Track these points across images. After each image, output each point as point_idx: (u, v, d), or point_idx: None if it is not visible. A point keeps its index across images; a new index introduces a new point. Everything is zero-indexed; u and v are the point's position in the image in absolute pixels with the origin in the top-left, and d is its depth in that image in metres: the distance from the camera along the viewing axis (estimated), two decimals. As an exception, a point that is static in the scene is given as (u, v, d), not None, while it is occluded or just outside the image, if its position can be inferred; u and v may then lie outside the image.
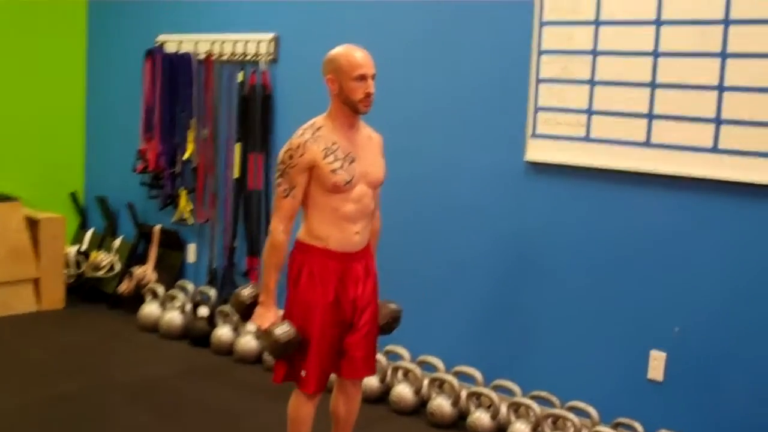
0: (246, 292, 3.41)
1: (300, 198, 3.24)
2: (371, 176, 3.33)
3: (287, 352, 3.24)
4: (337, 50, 3.26)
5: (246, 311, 3.39)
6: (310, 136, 3.21)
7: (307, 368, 3.29)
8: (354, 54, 3.22)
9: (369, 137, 3.40)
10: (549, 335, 4.29)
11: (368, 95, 3.21)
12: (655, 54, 3.83)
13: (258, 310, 3.34)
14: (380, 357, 4.60)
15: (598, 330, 4.11)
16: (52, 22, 6.68)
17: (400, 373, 4.60)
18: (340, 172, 3.20)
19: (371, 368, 3.52)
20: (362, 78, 3.19)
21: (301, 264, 3.31)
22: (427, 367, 4.58)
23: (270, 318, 3.30)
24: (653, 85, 3.85)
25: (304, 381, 3.30)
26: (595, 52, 4.02)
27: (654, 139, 3.85)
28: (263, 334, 3.30)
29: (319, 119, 3.29)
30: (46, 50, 6.66)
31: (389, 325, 3.56)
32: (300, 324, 3.26)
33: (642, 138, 3.88)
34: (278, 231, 3.25)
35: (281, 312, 3.35)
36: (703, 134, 3.71)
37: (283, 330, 3.21)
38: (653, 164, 3.86)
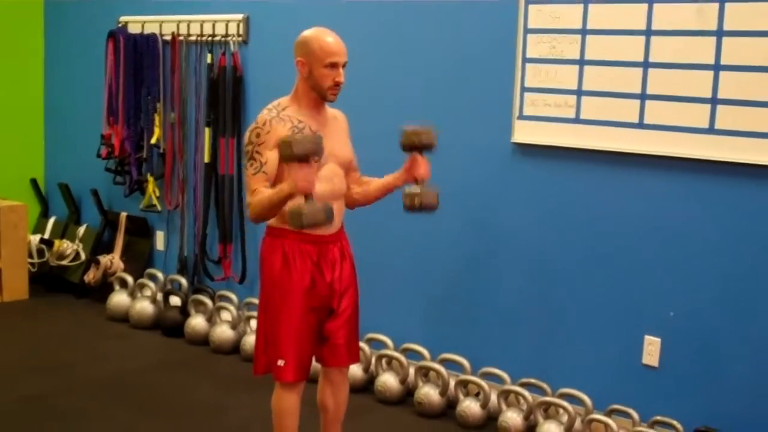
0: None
1: (272, 173, 3.06)
2: (340, 156, 3.23)
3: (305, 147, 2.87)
4: (310, 33, 3.13)
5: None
6: (275, 114, 3.09)
7: (285, 356, 3.17)
8: (327, 39, 3.10)
9: (334, 117, 3.30)
10: (538, 321, 4.20)
11: (337, 84, 3.11)
12: (648, 33, 3.73)
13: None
14: (363, 346, 4.49)
15: (590, 315, 4.03)
16: (7, 4, 6.42)
17: (384, 362, 4.49)
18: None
19: (355, 355, 3.42)
20: (333, 66, 3.08)
21: (273, 248, 3.19)
22: (412, 355, 4.47)
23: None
24: (646, 65, 3.75)
25: (283, 370, 3.18)
26: (584, 31, 3.92)
27: (647, 120, 3.76)
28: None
29: (284, 100, 3.18)
30: (2, 32, 6.40)
31: (420, 211, 3.25)
32: (276, 311, 3.16)
33: (635, 119, 3.79)
34: (254, 196, 3.04)
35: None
36: (699, 114, 3.62)
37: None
38: (647, 145, 3.76)
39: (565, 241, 4.09)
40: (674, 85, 3.68)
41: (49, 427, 4.06)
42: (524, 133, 4.15)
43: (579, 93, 3.96)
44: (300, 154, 2.84)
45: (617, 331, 3.95)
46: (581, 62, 3.94)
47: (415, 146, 3.22)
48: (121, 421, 4.12)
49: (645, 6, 3.73)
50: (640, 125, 3.78)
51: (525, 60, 4.11)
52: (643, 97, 3.77)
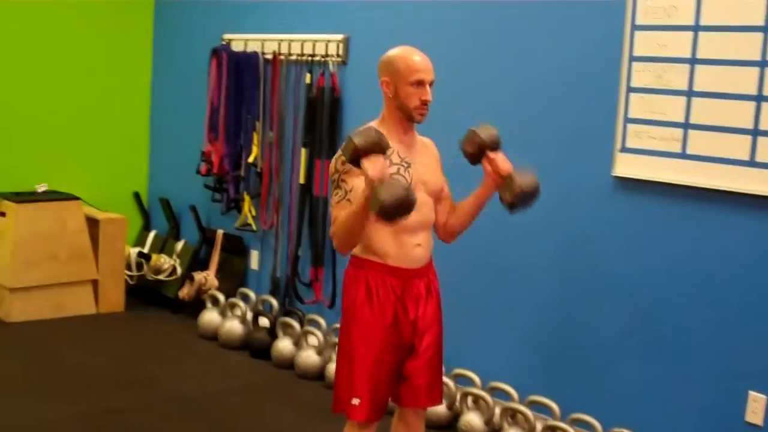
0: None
1: (356, 201, 2.90)
2: (429, 184, 3.06)
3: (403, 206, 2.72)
4: (395, 52, 3.00)
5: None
6: None
7: (359, 394, 3.01)
8: (412, 57, 2.95)
9: (423, 143, 3.14)
10: (633, 368, 3.94)
11: (424, 103, 2.94)
12: (763, 63, 3.45)
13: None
14: (448, 381, 4.31)
15: (691, 364, 3.74)
16: (119, 21, 6.56)
17: (469, 400, 4.29)
18: (397, 177, 2.92)
19: (436, 397, 3.23)
20: (419, 84, 2.92)
21: (356, 279, 3.04)
22: (499, 394, 4.26)
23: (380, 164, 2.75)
24: (759, 98, 3.46)
25: (356, 409, 3.02)
26: (693, 60, 3.66)
27: (759, 158, 3.47)
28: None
29: (372, 124, 3.00)
30: (113, 49, 6.54)
31: (525, 197, 2.99)
32: (355, 346, 3.00)
33: (746, 156, 3.51)
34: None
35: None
36: (817, 154, 3.33)
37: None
38: (758, 185, 3.47)
39: (666, 282, 3.82)
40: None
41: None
42: (626, 166, 3.91)
43: (686, 126, 3.70)
44: (360, 145, 2.68)
45: (718, 384, 3.65)
46: (689, 93, 3.68)
47: (480, 147, 2.99)
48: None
49: (760, 35, 3.44)
50: (751, 163, 3.50)
51: (629, 89, 3.87)
52: (755, 132, 3.48)
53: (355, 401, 3.02)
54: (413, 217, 2.95)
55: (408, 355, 3.09)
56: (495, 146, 3.03)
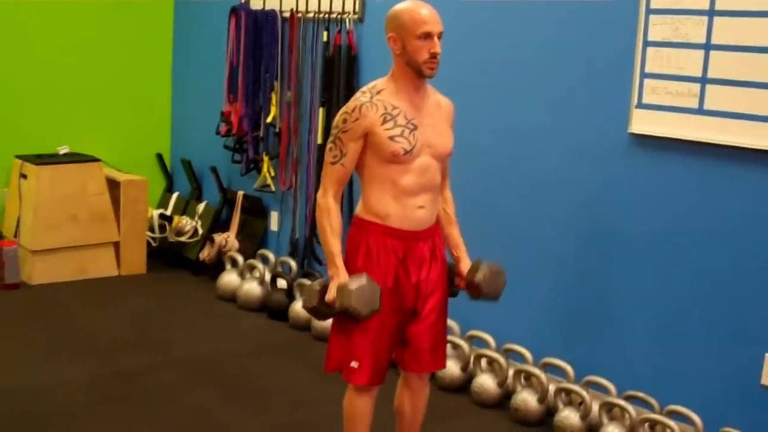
0: (314, 282, 3.02)
1: (350, 167, 2.90)
2: (436, 147, 2.96)
3: (368, 305, 2.82)
4: (401, 5, 2.90)
5: (320, 300, 2.94)
6: (367, 99, 2.86)
7: (359, 358, 2.95)
8: (419, 10, 2.85)
9: (437, 104, 3.02)
10: (648, 330, 3.84)
11: (434, 56, 2.83)
12: (784, 14, 3.32)
13: (330, 286, 2.93)
14: (462, 343, 4.26)
15: (705, 327, 3.64)
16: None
17: (483, 362, 4.23)
18: (400, 139, 2.84)
19: (440, 362, 3.17)
20: (427, 36, 2.82)
21: (357, 242, 2.97)
22: (514, 356, 4.20)
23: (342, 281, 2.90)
24: (780, 51, 3.33)
25: (356, 372, 2.97)
26: (711, 12, 3.51)
27: (779, 113, 3.35)
28: (338, 293, 2.85)
29: (380, 81, 2.94)
30: (134, 9, 6.46)
31: (496, 285, 3.15)
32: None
33: (766, 111, 3.37)
34: (326, 196, 2.92)
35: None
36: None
37: (354, 279, 2.83)
38: (777, 141, 3.35)
39: (682, 244, 3.70)
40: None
41: (135, 403, 4.04)
42: (643, 122, 3.78)
43: (704, 81, 3.56)
44: (361, 314, 2.83)
45: (734, 346, 3.55)
46: (707, 47, 3.53)
47: (477, 290, 3.14)
48: (199, 404, 4.05)
49: (782, -16, 3.30)
50: (771, 118, 3.37)
51: (646, 43, 3.73)
52: (775, 87, 3.35)
53: (354, 364, 2.97)
54: (415, 180, 2.90)
55: (410, 318, 3.03)
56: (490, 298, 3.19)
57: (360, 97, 2.89)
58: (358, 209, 3.00)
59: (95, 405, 4.00)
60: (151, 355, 4.61)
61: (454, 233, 3.20)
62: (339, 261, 2.92)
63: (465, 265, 3.17)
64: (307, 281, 5.12)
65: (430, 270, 3.03)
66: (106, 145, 6.32)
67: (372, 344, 2.96)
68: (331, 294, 2.88)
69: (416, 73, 2.88)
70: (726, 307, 3.57)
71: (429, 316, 3.05)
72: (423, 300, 3.02)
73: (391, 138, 2.83)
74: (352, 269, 2.95)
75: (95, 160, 5.92)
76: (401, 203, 2.92)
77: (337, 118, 2.90)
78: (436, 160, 2.98)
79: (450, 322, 3.93)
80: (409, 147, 2.85)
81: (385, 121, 2.83)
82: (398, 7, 2.91)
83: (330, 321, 3.07)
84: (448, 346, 3.91)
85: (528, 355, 4.14)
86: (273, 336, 4.99)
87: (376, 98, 2.87)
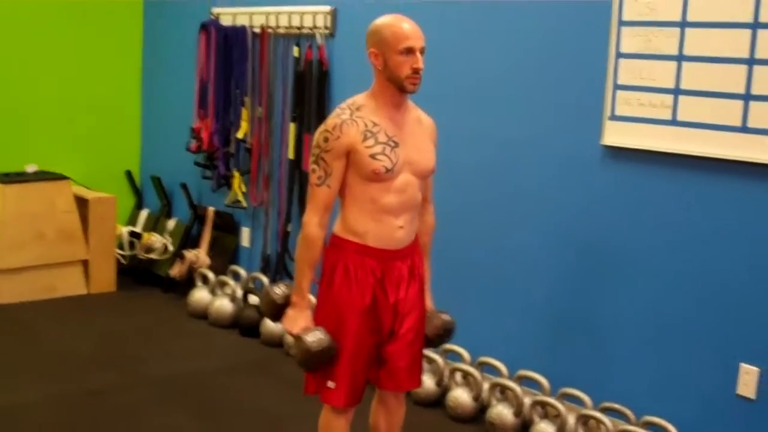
0: (278, 291, 3.02)
1: (336, 187, 2.85)
2: (418, 165, 2.91)
3: (318, 364, 2.87)
4: (382, 20, 2.86)
5: (276, 312, 3.02)
6: (347, 116, 2.81)
7: (336, 379, 2.91)
8: (400, 24, 2.81)
9: (418, 120, 2.98)
10: (623, 341, 3.84)
11: (416, 71, 2.79)
12: (755, 26, 3.32)
13: (289, 312, 2.96)
14: (437, 357, 4.23)
15: (681, 338, 3.64)
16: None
17: (458, 376, 4.21)
18: (381, 157, 2.80)
19: (416, 381, 3.13)
20: (409, 51, 2.78)
21: (335, 261, 2.92)
22: (488, 369, 4.18)
23: (301, 323, 2.92)
24: (751, 62, 3.34)
25: (333, 393, 2.93)
26: (683, 24, 3.54)
27: (751, 123, 3.35)
28: (293, 340, 2.93)
29: (360, 97, 2.89)
30: (102, 26, 6.42)
31: (440, 339, 3.20)
32: (332, 329, 2.88)
33: (737, 122, 3.39)
34: (312, 224, 2.87)
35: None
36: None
37: (315, 338, 2.83)
38: (750, 152, 3.35)
39: (658, 255, 3.70)
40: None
41: (104, 423, 3.96)
42: (616, 134, 3.79)
43: (676, 92, 3.58)
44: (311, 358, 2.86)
45: (709, 357, 3.55)
46: (679, 58, 3.56)
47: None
48: (171, 424, 3.99)
49: (751, -3, 3.33)
50: (743, 129, 3.38)
51: (618, 55, 3.75)
52: (746, 97, 3.36)
53: (331, 384, 2.93)
54: (396, 199, 2.86)
55: (387, 337, 2.99)
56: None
57: (340, 114, 2.84)
58: (336, 227, 2.96)
59: (65, 425, 3.93)
60: (121, 374, 4.54)
61: (424, 263, 3.16)
62: (306, 293, 2.93)
63: (427, 300, 3.17)
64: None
65: (408, 289, 2.99)
66: (75, 162, 6.25)
67: (349, 365, 2.92)
68: (289, 327, 2.96)
69: (398, 89, 2.84)
70: (701, 317, 3.58)
71: (406, 335, 3.01)
72: (400, 320, 2.98)
73: (372, 156, 2.79)
74: (330, 288, 2.92)
75: (64, 177, 5.85)
76: (381, 222, 2.88)
77: (318, 137, 2.84)
78: (418, 177, 2.93)
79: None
80: (390, 165, 2.81)
81: (365, 138, 2.79)
82: (379, 21, 2.87)
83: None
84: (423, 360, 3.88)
85: (503, 368, 4.12)
86: (245, 353, 4.94)
87: (356, 115, 2.82)
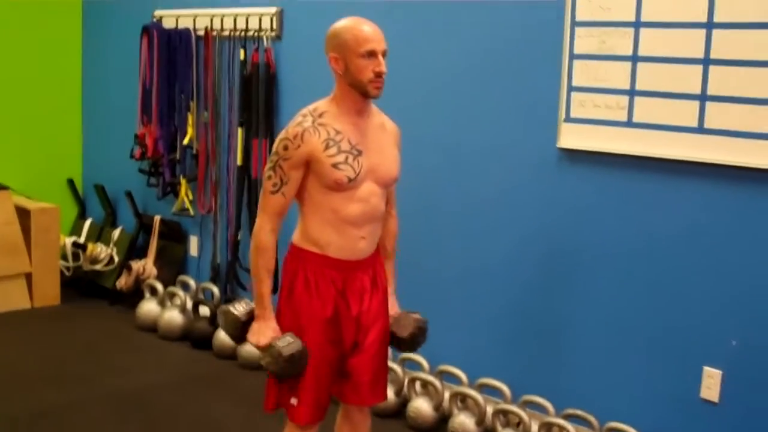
0: (240, 308, 2.89)
1: (291, 196, 2.76)
2: (381, 173, 2.82)
3: (295, 370, 2.74)
4: (342, 24, 2.75)
5: (242, 330, 2.87)
6: (309, 124, 2.71)
7: (299, 395, 2.81)
8: (361, 27, 2.71)
9: (382, 126, 2.89)
10: (585, 346, 3.80)
11: (379, 75, 2.70)
12: (709, 26, 3.30)
13: (254, 326, 2.84)
14: (396, 367, 4.15)
15: (642, 342, 3.61)
16: (47, 1, 6.23)
17: (418, 385, 4.13)
18: (343, 166, 2.70)
19: (380, 394, 3.03)
20: (371, 54, 2.69)
21: (294, 272, 2.82)
22: (449, 378, 4.11)
23: (269, 333, 2.80)
24: (706, 62, 3.31)
25: (296, 411, 2.82)
26: (637, 24, 3.50)
27: (708, 124, 3.33)
28: (263, 351, 2.79)
29: (322, 103, 2.79)
30: (40, 30, 6.24)
31: (415, 338, 3.06)
32: None
33: (694, 123, 3.36)
34: (264, 231, 2.77)
35: None
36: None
37: (286, 342, 2.72)
38: (707, 152, 3.33)
39: (617, 259, 3.67)
40: (738, 85, 3.24)
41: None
42: (572, 137, 3.74)
43: (632, 93, 3.54)
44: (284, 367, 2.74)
45: (672, 361, 3.53)
46: (634, 59, 3.51)
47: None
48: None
49: (705, -4, 3.29)
50: (700, 130, 3.35)
51: (572, 56, 3.70)
52: (702, 98, 3.33)
53: (294, 401, 2.82)
54: (359, 209, 2.77)
55: (351, 350, 2.90)
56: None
57: (302, 121, 2.73)
58: (295, 236, 2.86)
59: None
60: (69, 392, 4.38)
61: (389, 268, 3.09)
62: (268, 303, 2.81)
63: (392, 303, 3.08)
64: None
65: (371, 300, 2.90)
66: (14, 172, 6.06)
67: (312, 379, 2.82)
68: (256, 341, 2.82)
69: (361, 94, 2.75)
70: (664, 321, 3.54)
71: (370, 348, 2.92)
72: (364, 332, 2.89)
73: (335, 165, 2.70)
74: (290, 299, 2.82)
75: (3, 188, 5.66)
76: (342, 233, 2.79)
77: (277, 144, 2.74)
78: (381, 186, 2.85)
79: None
80: (353, 174, 2.72)
81: (327, 147, 2.70)
82: (338, 25, 2.77)
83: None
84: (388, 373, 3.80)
85: (463, 376, 4.06)
86: (197, 366, 4.81)
87: (318, 122, 2.72)
